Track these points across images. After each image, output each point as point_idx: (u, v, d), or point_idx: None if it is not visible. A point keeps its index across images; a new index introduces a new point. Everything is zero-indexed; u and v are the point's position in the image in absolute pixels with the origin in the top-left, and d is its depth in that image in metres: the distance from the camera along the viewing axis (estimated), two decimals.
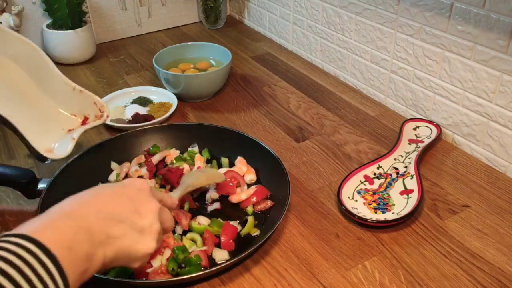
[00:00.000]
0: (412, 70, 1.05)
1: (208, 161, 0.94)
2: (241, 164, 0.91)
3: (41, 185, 0.82)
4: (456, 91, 0.97)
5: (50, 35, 1.36)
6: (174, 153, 0.94)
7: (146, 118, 1.07)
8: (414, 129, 1.03)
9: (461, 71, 0.94)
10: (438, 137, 1.00)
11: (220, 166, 0.93)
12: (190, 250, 0.74)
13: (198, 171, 0.86)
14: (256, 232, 0.79)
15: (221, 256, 0.74)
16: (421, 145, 0.97)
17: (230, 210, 0.84)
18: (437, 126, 1.02)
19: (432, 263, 0.73)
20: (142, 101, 1.16)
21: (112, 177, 0.91)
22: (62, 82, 0.91)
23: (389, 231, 0.79)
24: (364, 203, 0.84)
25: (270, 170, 0.88)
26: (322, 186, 0.90)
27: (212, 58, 1.26)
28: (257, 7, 1.56)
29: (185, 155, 0.95)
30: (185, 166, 0.90)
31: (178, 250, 0.71)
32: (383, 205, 0.83)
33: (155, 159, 0.92)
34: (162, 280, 0.69)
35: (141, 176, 0.90)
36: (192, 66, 1.24)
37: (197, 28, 1.63)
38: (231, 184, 0.86)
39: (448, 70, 0.97)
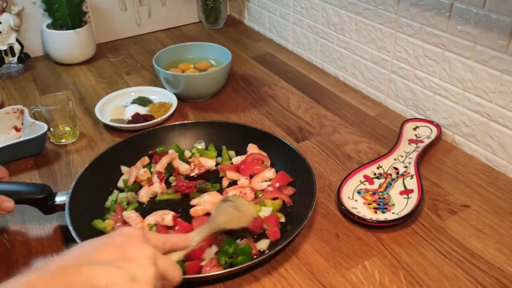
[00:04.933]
0: (412, 70, 1.05)
1: (217, 155, 0.95)
2: (253, 150, 0.91)
3: (60, 198, 0.79)
4: (456, 91, 0.97)
5: (50, 35, 1.36)
6: (174, 154, 0.91)
7: (146, 118, 1.07)
8: (414, 129, 1.03)
9: (461, 71, 0.94)
10: (438, 137, 1.00)
11: (229, 158, 0.94)
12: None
13: (231, 206, 0.74)
14: (282, 219, 0.80)
15: (264, 245, 0.75)
16: (421, 145, 0.97)
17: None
18: (437, 126, 1.02)
19: (432, 263, 0.73)
20: (142, 101, 1.16)
21: (120, 183, 0.88)
22: None
23: (389, 231, 0.79)
24: (364, 203, 0.84)
25: (284, 158, 0.89)
26: (322, 186, 0.90)
27: (212, 58, 1.26)
28: (257, 7, 1.56)
29: (194, 150, 0.96)
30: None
31: (226, 244, 0.72)
32: (383, 205, 0.83)
33: (163, 163, 0.89)
34: (214, 273, 0.70)
35: (150, 179, 0.88)
36: (192, 66, 1.24)
37: (197, 28, 1.63)
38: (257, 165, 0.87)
39: (448, 70, 0.97)
